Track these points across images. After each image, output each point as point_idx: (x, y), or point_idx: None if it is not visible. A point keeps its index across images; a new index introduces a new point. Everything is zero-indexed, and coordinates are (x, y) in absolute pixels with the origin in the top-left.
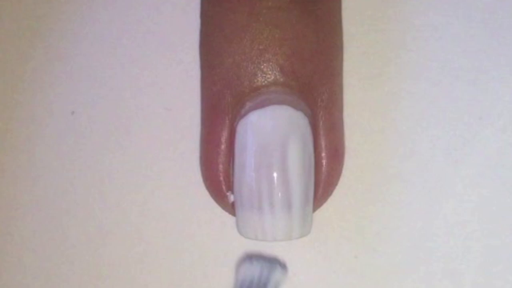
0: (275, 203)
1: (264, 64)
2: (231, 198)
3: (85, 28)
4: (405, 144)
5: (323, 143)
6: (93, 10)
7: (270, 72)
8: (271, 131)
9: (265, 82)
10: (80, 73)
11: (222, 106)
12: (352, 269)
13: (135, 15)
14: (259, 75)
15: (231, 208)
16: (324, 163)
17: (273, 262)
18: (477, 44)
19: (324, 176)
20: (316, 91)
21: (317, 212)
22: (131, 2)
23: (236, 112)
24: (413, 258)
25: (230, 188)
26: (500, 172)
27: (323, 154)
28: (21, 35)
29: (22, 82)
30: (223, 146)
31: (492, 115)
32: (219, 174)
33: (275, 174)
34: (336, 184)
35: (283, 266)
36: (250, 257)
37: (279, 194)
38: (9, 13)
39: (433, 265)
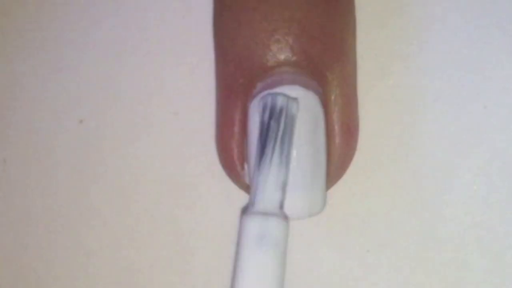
0: (285, 181)
1: (274, 45)
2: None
3: (91, 35)
4: (411, 136)
5: (335, 121)
6: (100, 16)
7: (280, 53)
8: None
9: (276, 62)
10: (87, 81)
11: (234, 87)
12: (364, 263)
13: (141, 21)
14: (270, 55)
15: (247, 188)
16: (337, 141)
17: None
18: (481, 33)
19: (338, 153)
20: (327, 70)
21: (329, 206)
22: (138, 8)
23: (248, 92)
24: (425, 252)
25: (244, 168)
26: (506, 161)
27: (336, 132)
28: (28, 43)
29: (29, 91)
30: (236, 127)
31: (497, 104)
32: (233, 155)
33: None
34: (349, 163)
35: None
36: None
37: (289, 173)
38: (16, 21)
39: (444, 257)
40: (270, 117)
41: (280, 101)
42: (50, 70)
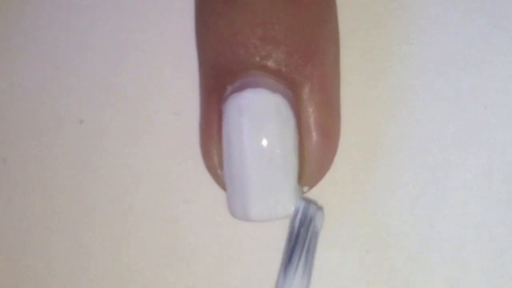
0: (252, 183)
1: (240, 49)
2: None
3: (91, 35)
4: (411, 135)
5: (310, 122)
6: (100, 16)
7: (246, 56)
8: (246, 114)
9: (242, 66)
10: (87, 81)
11: (208, 91)
12: (364, 263)
13: (141, 21)
14: (236, 59)
15: (224, 187)
16: (313, 142)
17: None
18: (480, 33)
19: (314, 155)
20: (296, 72)
21: (329, 206)
22: (138, 7)
23: (220, 95)
24: (425, 252)
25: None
26: (506, 161)
27: (311, 133)
28: (29, 43)
29: (29, 91)
30: (213, 130)
31: (497, 104)
32: (213, 157)
33: (248, 155)
34: (328, 165)
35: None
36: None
37: (255, 174)
38: (16, 21)
39: (444, 257)
40: (301, 225)
41: (312, 211)
42: (50, 70)
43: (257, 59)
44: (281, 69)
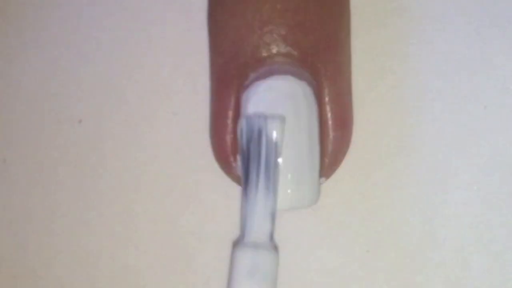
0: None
1: (267, 35)
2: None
3: (91, 35)
4: (411, 136)
5: (329, 113)
6: (99, 16)
7: (273, 43)
8: (273, 101)
9: (268, 53)
10: (86, 81)
11: (227, 79)
12: (364, 263)
13: (140, 21)
14: (262, 46)
15: (238, 180)
16: (331, 133)
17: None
18: (481, 33)
19: (331, 145)
20: (320, 62)
21: (329, 206)
22: (138, 8)
23: (240, 83)
24: (425, 252)
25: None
26: (506, 161)
27: (330, 123)
28: (28, 43)
29: (28, 90)
30: (229, 118)
31: (497, 104)
32: (226, 147)
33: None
34: (343, 156)
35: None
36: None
37: (279, 163)
38: (15, 20)
39: (444, 257)
40: (249, 141)
41: (259, 123)
42: (49, 70)
43: (284, 46)
44: (307, 57)
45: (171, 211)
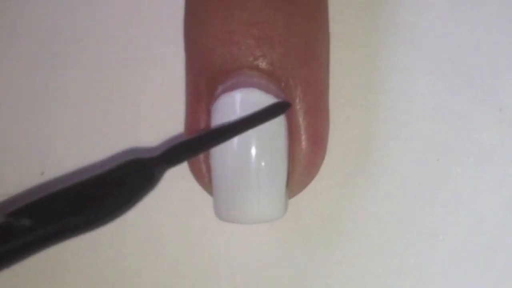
0: (240, 185)
1: (234, 48)
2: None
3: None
4: (423, 138)
5: (300, 127)
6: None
7: (240, 55)
8: (238, 114)
9: (236, 65)
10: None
11: (198, 91)
12: (364, 263)
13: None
14: (230, 58)
15: (210, 190)
16: (302, 147)
17: None
18: (496, 35)
19: (303, 160)
20: (290, 75)
21: (315, 212)
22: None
23: (210, 95)
24: (425, 252)
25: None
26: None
27: (301, 138)
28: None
29: None
30: (200, 130)
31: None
32: (199, 158)
33: (239, 157)
34: (315, 170)
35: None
36: None
37: (242, 177)
38: None
39: (445, 257)
40: None
41: None
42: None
43: (251, 59)
44: (275, 70)
45: (170, 211)
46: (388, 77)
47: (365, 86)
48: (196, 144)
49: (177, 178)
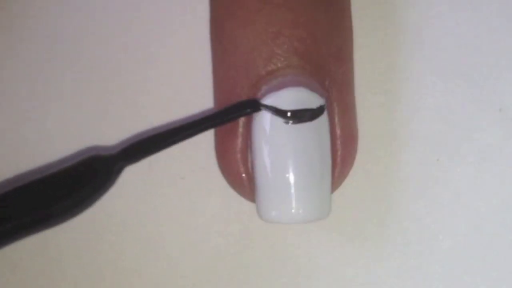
0: (290, 185)
1: (279, 47)
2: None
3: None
4: (423, 138)
5: (338, 125)
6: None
7: (285, 55)
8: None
9: (280, 64)
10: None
11: (238, 91)
12: (364, 263)
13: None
14: (274, 58)
15: (250, 195)
16: (339, 145)
17: None
18: (496, 35)
19: (340, 157)
20: (330, 74)
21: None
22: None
23: (252, 96)
24: (425, 253)
25: (249, 174)
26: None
27: (339, 136)
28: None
29: None
30: (240, 133)
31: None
32: (237, 163)
33: (288, 157)
34: (351, 165)
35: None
36: None
37: (294, 177)
38: None
39: (445, 257)
40: None
41: None
42: None
43: (297, 58)
44: (319, 70)
45: (171, 211)
46: (388, 77)
47: (365, 86)
48: (157, 141)
49: (177, 178)
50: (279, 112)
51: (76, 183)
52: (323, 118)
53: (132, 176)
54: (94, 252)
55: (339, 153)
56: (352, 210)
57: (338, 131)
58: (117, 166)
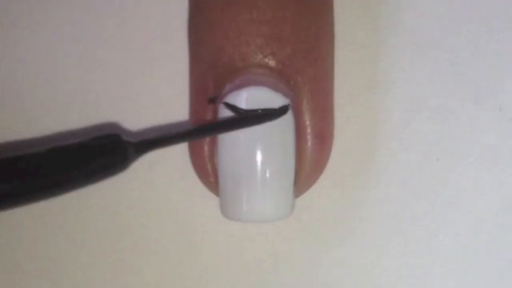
0: (249, 184)
1: (243, 46)
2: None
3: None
4: (423, 138)
5: (306, 125)
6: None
7: (249, 54)
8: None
9: (244, 63)
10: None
11: (204, 89)
12: (365, 263)
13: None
14: (238, 56)
15: (216, 191)
16: (308, 145)
17: None
18: (496, 35)
19: (309, 159)
20: (298, 74)
21: (319, 210)
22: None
23: (217, 94)
24: (424, 253)
25: (215, 171)
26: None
27: (307, 136)
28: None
29: None
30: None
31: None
32: (204, 157)
33: (247, 156)
34: (321, 169)
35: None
36: None
37: (253, 176)
38: None
39: (444, 258)
40: None
41: None
42: None
43: (260, 57)
44: (284, 68)
45: (171, 212)
46: (388, 77)
47: (365, 86)
48: (176, 140)
49: (177, 178)
50: (236, 111)
51: (97, 154)
52: (287, 118)
53: (132, 176)
54: (94, 252)
55: (308, 153)
56: (352, 210)
57: (308, 131)
58: (133, 156)
